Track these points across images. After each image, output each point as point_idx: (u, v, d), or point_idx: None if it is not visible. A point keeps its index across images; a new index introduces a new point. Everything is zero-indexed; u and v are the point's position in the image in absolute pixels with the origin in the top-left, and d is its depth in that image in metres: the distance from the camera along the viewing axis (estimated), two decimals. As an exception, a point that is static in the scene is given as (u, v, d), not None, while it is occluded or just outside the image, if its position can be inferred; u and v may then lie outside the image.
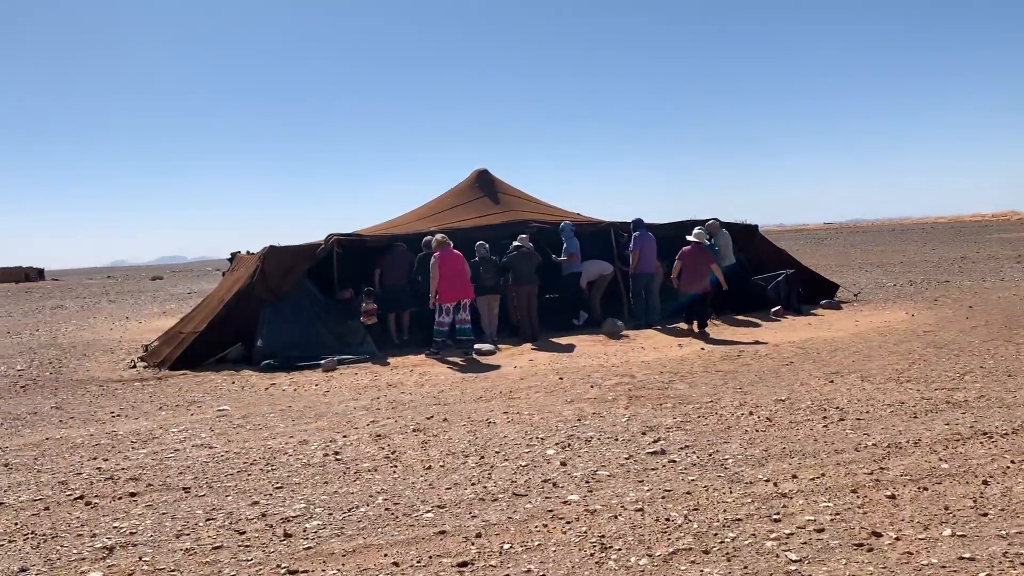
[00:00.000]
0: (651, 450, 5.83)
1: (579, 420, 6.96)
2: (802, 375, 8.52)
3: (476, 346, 11.65)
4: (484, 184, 15.62)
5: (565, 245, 13.77)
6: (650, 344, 11.65)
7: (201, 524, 4.81)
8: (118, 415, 8.43)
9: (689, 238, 12.81)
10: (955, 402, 6.89)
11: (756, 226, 16.07)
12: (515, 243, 12.84)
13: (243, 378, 10.57)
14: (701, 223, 14.97)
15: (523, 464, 5.68)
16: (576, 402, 7.74)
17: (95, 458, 6.55)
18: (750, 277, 14.96)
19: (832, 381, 8.09)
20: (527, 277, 12.66)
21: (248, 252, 15.16)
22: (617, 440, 6.20)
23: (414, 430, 6.93)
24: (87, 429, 7.77)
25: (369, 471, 5.75)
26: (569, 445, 6.12)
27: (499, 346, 11.93)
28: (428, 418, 7.39)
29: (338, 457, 6.17)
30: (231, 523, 4.79)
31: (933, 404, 6.85)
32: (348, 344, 11.81)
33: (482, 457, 5.94)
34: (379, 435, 6.81)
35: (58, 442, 7.24)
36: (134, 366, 12.18)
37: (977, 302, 14.39)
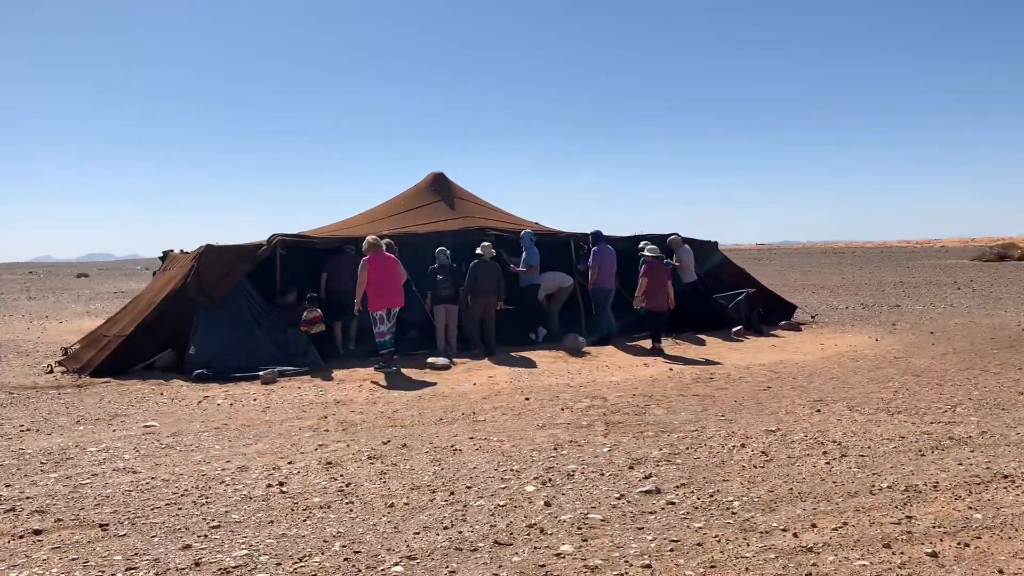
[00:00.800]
0: (644, 488, 5.18)
1: (555, 449, 6.27)
2: (785, 402, 8.00)
3: (430, 360, 10.88)
4: (440, 188, 14.87)
5: (524, 255, 13.11)
6: (614, 362, 11.05)
7: (120, 574, 3.97)
8: (28, 429, 7.43)
9: (647, 255, 12.24)
10: (958, 438, 6.41)
11: (716, 243, 15.69)
12: (478, 250, 12.14)
13: (173, 389, 9.60)
14: (662, 238, 14.51)
15: (501, 504, 4.96)
16: (548, 427, 7.05)
17: (-5, 483, 5.61)
18: (711, 295, 14.53)
19: (819, 410, 7.57)
20: (486, 288, 11.96)
21: (182, 251, 14.14)
22: (603, 475, 5.53)
23: (370, 457, 6.15)
24: (-11, 446, 6.78)
25: (321, 508, 4.96)
26: (550, 480, 5.42)
27: (455, 360, 11.17)
28: (385, 443, 6.61)
29: (283, 489, 5.36)
30: (158, 574, 3.97)
31: (936, 440, 6.36)
32: (290, 354, 10.90)
33: (452, 493, 5.20)
34: (330, 462, 6.00)
35: (-47, 462, 6.25)
36: (51, 371, 11.07)
37: (936, 328, 14.20)
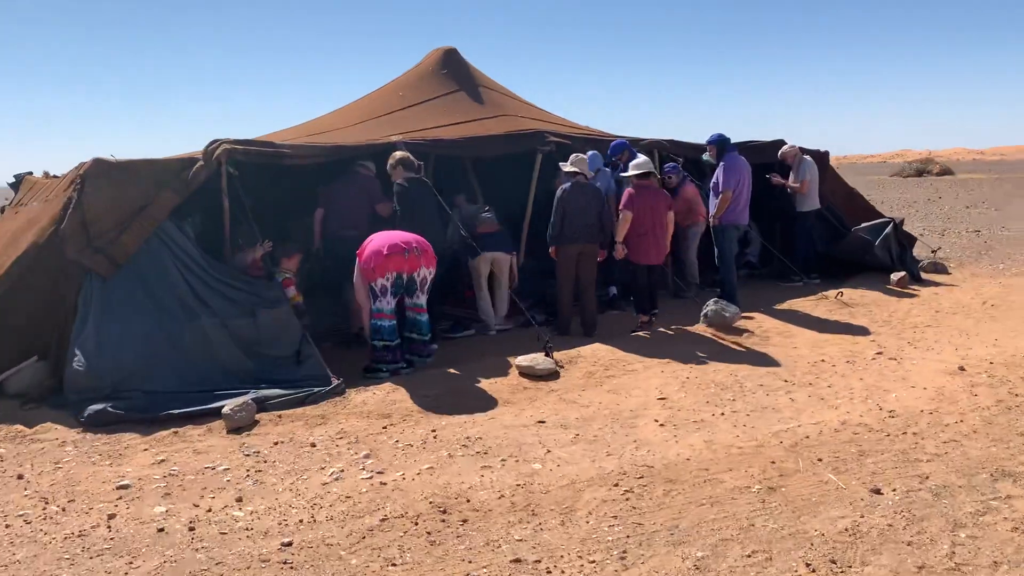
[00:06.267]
0: None
1: None
2: None
3: (521, 362, 6.13)
4: (456, 71, 9.66)
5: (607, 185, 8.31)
6: (828, 349, 6.62)
7: None
8: None
9: (633, 173, 7.34)
10: None
11: (827, 152, 11.20)
12: (567, 166, 7.38)
13: (45, 455, 4.60)
14: (775, 145, 10.13)
15: None
16: None
17: None
18: (844, 228, 10.24)
19: None
20: (585, 229, 7.25)
21: (47, 174, 8.81)
22: None
23: None
24: None
25: None
26: None
27: (556, 358, 6.39)
28: None
29: None
30: None
31: None
32: (270, 361, 5.91)
33: None
34: None
35: None
36: None
37: None
